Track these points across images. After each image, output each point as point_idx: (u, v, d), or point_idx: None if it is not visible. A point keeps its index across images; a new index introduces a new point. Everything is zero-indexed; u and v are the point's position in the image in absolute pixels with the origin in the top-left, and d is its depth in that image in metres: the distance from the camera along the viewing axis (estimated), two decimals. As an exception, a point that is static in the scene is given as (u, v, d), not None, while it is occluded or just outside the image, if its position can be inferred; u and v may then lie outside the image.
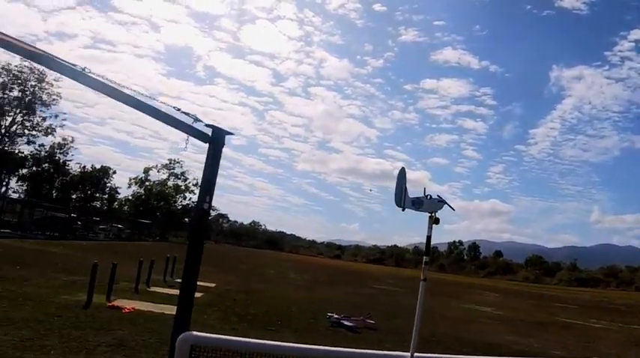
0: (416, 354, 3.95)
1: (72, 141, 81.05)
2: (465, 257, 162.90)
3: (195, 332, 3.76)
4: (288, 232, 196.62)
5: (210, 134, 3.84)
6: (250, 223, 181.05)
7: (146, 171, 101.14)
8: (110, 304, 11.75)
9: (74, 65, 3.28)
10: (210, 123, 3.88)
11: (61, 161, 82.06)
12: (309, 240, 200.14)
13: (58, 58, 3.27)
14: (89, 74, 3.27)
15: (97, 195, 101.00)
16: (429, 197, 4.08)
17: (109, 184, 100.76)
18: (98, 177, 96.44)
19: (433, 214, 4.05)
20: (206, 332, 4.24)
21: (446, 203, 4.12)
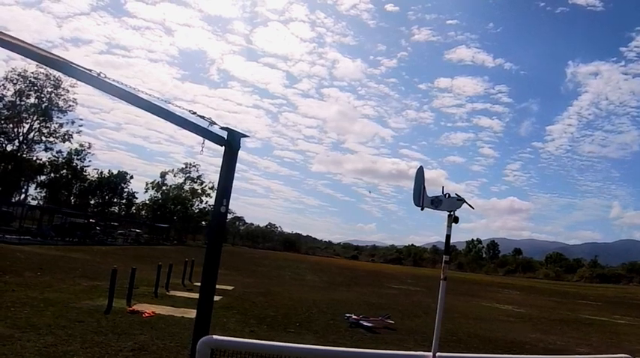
0: (438, 354, 3.88)
1: (89, 147, 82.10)
2: (484, 255, 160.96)
3: (215, 336, 3.74)
4: (304, 234, 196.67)
5: (225, 137, 3.84)
6: (266, 225, 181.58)
7: (162, 175, 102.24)
8: (130, 309, 11.85)
9: (89, 70, 3.29)
10: (226, 126, 3.88)
11: (79, 167, 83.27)
12: (325, 241, 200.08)
13: (74, 64, 3.29)
14: (105, 79, 3.29)
15: (115, 200, 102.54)
16: (447, 195, 4.05)
17: (126, 189, 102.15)
18: (115, 182, 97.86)
19: (452, 213, 4.01)
20: (226, 336, 4.23)
21: (465, 201, 4.08)
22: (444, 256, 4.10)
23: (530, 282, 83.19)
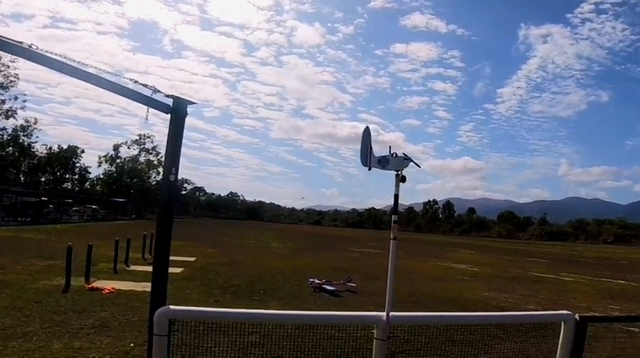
0: (392, 313, 4.06)
1: (35, 123, 78.34)
2: (440, 216, 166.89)
3: (172, 307, 3.76)
4: (267, 201, 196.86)
5: (171, 104, 3.78)
6: (228, 194, 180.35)
7: (116, 148, 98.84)
8: (89, 286, 11.63)
9: (20, 43, 3.10)
10: (180, 96, 3.81)
11: (26, 144, 79.21)
12: (288, 208, 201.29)
13: (2, 37, 3.08)
14: (40, 52, 3.11)
15: (67, 176, 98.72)
16: (394, 155, 4.08)
17: (78, 164, 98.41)
18: (66, 157, 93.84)
19: (399, 172, 4.05)
20: (188, 307, 4.27)
21: (411, 160, 4.11)
22: (392, 216, 4.16)
23: (483, 241, 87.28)
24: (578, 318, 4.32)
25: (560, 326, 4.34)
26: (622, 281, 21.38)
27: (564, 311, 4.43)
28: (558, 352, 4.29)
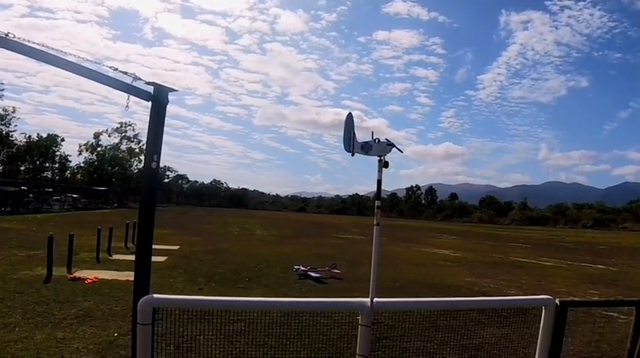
0: (376, 299, 4.09)
1: (13, 112, 76.58)
2: (423, 201, 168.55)
3: (156, 295, 3.73)
4: (251, 189, 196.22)
5: (152, 92, 3.74)
6: (211, 182, 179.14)
7: (96, 136, 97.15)
8: (72, 276, 11.50)
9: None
10: (161, 84, 3.76)
11: (4, 132, 77.37)
12: (273, 195, 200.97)
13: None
14: (15, 40, 3.01)
15: (47, 164, 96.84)
16: (377, 141, 4.09)
17: (58, 153, 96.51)
18: (46, 146, 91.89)
19: (382, 157, 4.07)
20: (172, 295, 4.24)
21: (394, 146, 4.13)
22: (375, 201, 4.18)
23: (465, 227, 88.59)
24: (558, 303, 4.40)
25: (541, 311, 4.42)
26: (601, 266, 21.90)
27: (545, 296, 4.51)
28: (539, 336, 4.38)
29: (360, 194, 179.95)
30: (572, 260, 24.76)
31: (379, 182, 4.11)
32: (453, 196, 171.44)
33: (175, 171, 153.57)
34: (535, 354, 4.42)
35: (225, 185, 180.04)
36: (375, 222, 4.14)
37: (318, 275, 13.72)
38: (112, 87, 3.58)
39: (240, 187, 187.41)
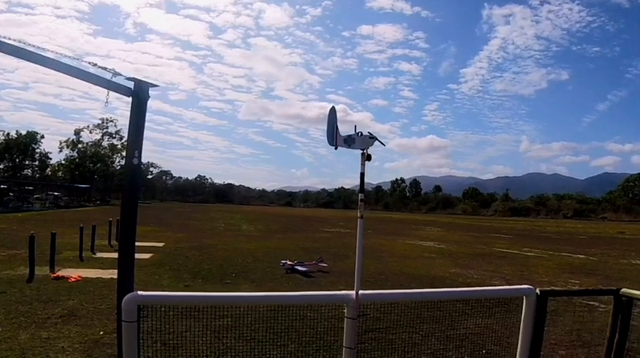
0: (361, 292, 4.14)
1: (-10, 108, 74.58)
2: (408, 194, 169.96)
3: (140, 292, 3.71)
4: (236, 184, 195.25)
5: (132, 87, 3.72)
6: (196, 178, 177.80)
7: (77, 132, 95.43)
8: (55, 275, 11.35)
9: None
10: (142, 79, 3.73)
11: (-19, 130, 75.53)
12: (259, 190, 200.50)
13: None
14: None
15: (27, 162, 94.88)
16: (360, 134, 4.12)
17: (38, 150, 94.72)
18: (25, 143, 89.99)
19: (365, 150, 4.11)
20: (157, 292, 4.22)
21: (376, 139, 4.18)
22: (359, 195, 4.22)
23: (449, 218, 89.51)
24: (539, 292, 4.49)
25: (523, 301, 4.51)
26: (581, 256, 22.34)
27: (526, 286, 4.58)
28: (521, 326, 4.46)
29: (346, 187, 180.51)
30: (554, 250, 25.21)
31: (362, 175, 4.16)
32: (437, 188, 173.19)
33: (159, 167, 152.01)
34: (518, 344, 4.51)
35: (210, 180, 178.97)
36: (358, 215, 4.18)
37: (305, 269, 13.75)
38: (92, 83, 3.54)
39: (226, 182, 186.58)
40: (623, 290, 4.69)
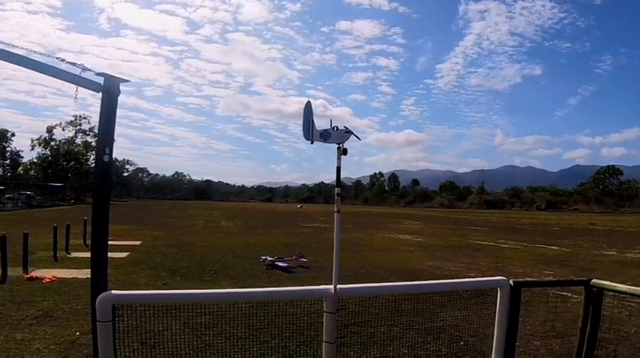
0: (339, 286, 4.17)
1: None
2: (386, 188, 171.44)
3: (114, 291, 3.66)
4: (215, 180, 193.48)
5: (102, 83, 3.64)
6: (173, 175, 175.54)
7: (50, 130, 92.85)
8: (28, 276, 11.07)
9: None
10: (114, 74, 3.66)
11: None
12: (238, 186, 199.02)
13: None
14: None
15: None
16: (335, 128, 4.14)
17: (9, 148, 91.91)
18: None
19: (341, 145, 4.13)
20: (132, 291, 4.17)
21: (352, 133, 4.20)
22: (335, 188, 4.26)
23: (427, 212, 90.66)
24: (512, 284, 4.59)
25: (497, 292, 4.61)
26: (555, 247, 22.90)
27: (500, 278, 4.67)
28: (497, 316, 4.55)
29: (326, 182, 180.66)
30: (528, 241, 25.80)
31: (338, 169, 4.20)
32: (415, 182, 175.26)
33: (135, 165, 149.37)
34: (494, 334, 4.60)
35: (188, 177, 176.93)
36: (335, 209, 4.21)
37: (285, 264, 13.74)
38: (60, 79, 3.46)
39: (204, 179, 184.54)
40: (594, 280, 4.78)
